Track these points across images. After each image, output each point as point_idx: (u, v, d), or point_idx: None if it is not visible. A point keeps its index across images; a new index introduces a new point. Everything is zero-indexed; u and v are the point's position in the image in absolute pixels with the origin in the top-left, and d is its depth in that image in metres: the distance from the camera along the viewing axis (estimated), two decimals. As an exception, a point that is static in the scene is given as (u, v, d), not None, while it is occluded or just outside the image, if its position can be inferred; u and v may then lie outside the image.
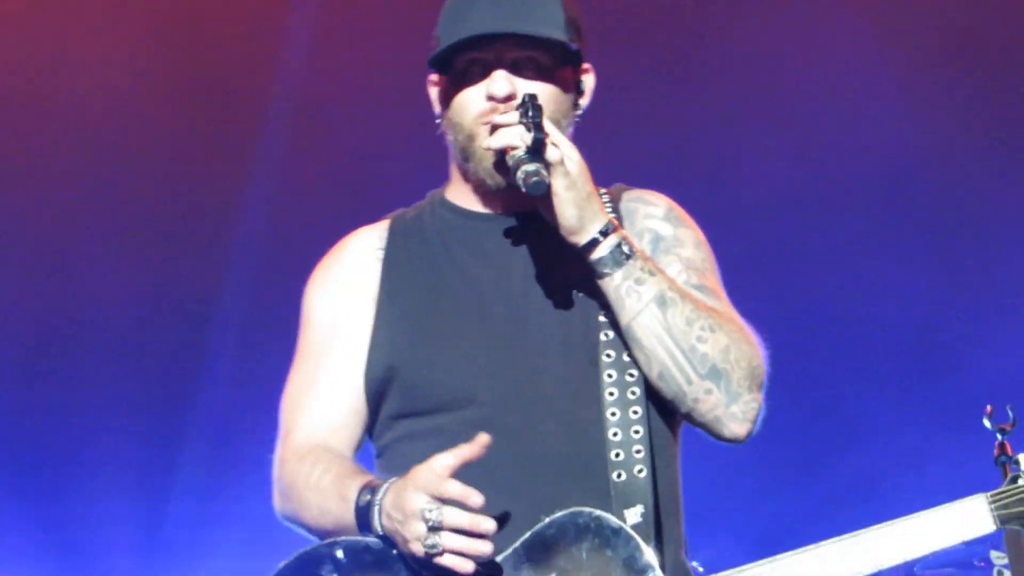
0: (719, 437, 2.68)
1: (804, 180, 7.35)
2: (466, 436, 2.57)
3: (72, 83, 7.21)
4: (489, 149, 2.63)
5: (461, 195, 2.84)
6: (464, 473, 2.49)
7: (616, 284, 2.62)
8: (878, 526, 2.64)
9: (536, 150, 2.53)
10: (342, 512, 2.56)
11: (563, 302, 2.73)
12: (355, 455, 2.82)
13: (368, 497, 2.51)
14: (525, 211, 2.75)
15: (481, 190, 2.78)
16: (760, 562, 2.66)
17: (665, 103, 7.34)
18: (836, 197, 7.36)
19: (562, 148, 2.58)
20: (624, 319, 2.63)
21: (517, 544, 2.52)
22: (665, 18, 7.41)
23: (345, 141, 7.26)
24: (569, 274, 2.71)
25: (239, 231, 7.41)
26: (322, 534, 2.65)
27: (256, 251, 7.35)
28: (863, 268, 7.37)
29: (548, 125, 2.58)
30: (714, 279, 2.80)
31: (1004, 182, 7.27)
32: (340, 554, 2.55)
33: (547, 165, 2.55)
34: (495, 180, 2.70)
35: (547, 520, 2.52)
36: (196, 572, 7.35)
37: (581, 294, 2.73)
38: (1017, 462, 2.76)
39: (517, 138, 2.55)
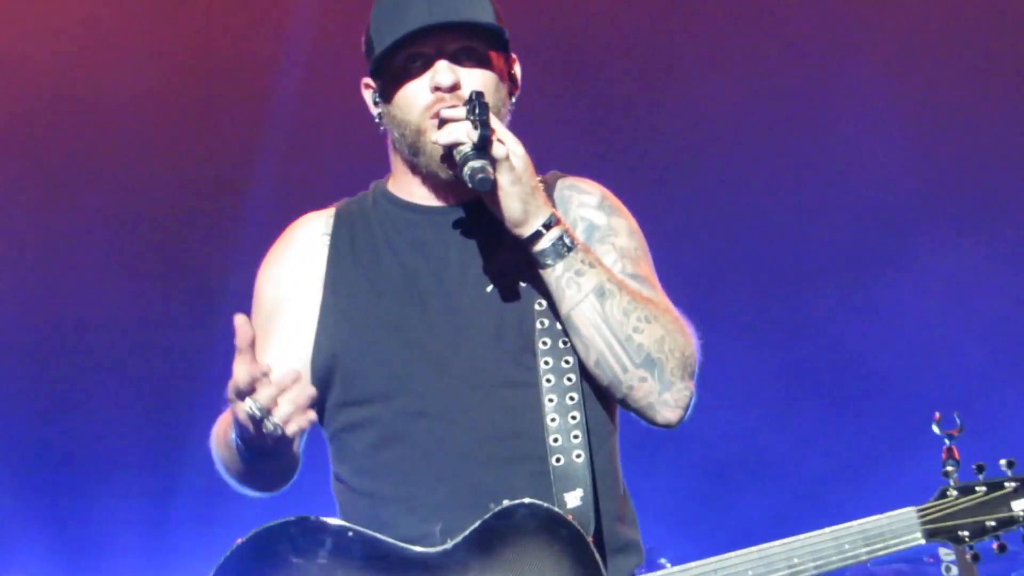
0: (652, 423, 2.75)
1: (781, 204, 7.52)
2: (400, 426, 2.71)
3: (85, 91, 7.33)
4: (437, 143, 2.69)
5: (403, 187, 2.90)
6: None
7: (557, 275, 2.69)
8: (816, 532, 2.72)
9: (482, 147, 2.60)
10: (233, 456, 2.67)
11: (499, 292, 2.79)
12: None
13: (232, 437, 2.61)
14: (468, 203, 2.83)
15: (431, 182, 2.84)
16: (706, 561, 2.73)
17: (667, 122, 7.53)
18: (801, 221, 7.53)
19: (507, 144, 2.64)
20: (564, 309, 2.70)
21: (467, 532, 2.60)
22: (675, 41, 7.58)
23: (343, 139, 7.26)
24: (506, 264, 2.79)
25: (242, 232, 7.44)
26: (241, 482, 2.79)
27: (259, 253, 7.35)
28: (825, 287, 7.56)
29: (494, 121, 2.64)
30: (647, 267, 2.86)
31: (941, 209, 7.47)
32: (294, 531, 2.63)
33: (493, 161, 2.62)
34: (447, 174, 2.76)
35: (497, 510, 2.61)
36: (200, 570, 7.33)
37: (518, 283, 2.79)
38: (947, 474, 2.79)
39: (464, 134, 2.62)
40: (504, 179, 2.64)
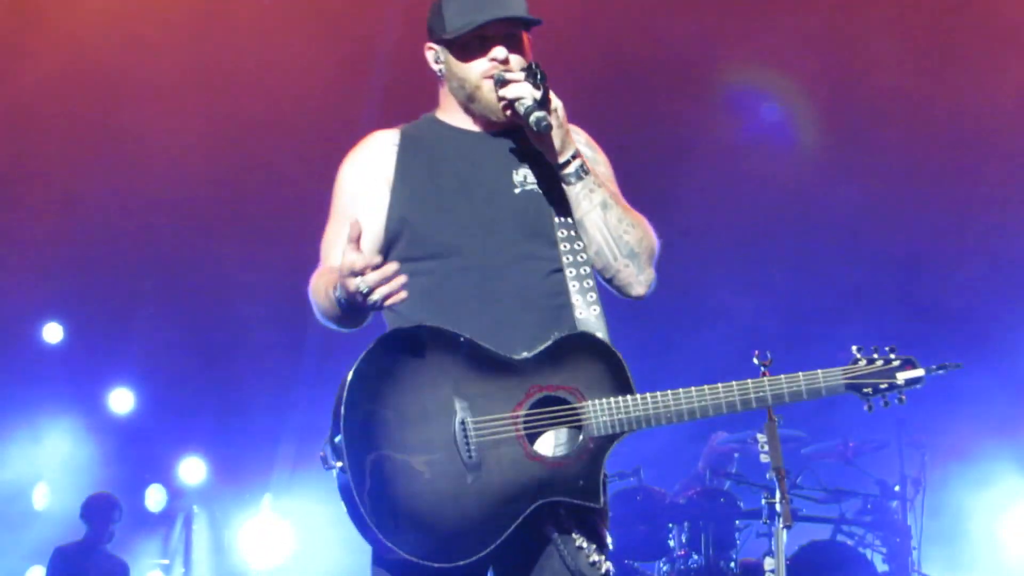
0: (628, 295, 3.46)
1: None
2: (450, 278, 3.34)
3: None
4: (504, 99, 3.35)
5: (452, 117, 3.52)
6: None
7: (576, 191, 3.37)
8: (776, 376, 3.32)
9: (543, 102, 3.31)
10: (332, 306, 3.25)
11: (530, 194, 3.43)
12: None
13: (334, 294, 3.19)
14: (497, 131, 3.47)
15: (479, 119, 3.48)
16: (706, 387, 3.28)
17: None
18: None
19: (553, 100, 3.34)
20: (579, 214, 3.39)
21: (541, 348, 3.23)
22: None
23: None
24: (527, 175, 3.45)
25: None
26: (335, 323, 3.34)
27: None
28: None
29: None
30: (615, 188, 3.51)
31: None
32: (420, 334, 3.19)
33: (548, 112, 3.31)
34: (497, 116, 3.42)
35: (560, 336, 3.26)
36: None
37: (535, 188, 3.43)
38: (859, 348, 3.35)
39: (525, 92, 3.31)
40: (553, 123, 3.32)
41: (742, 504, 7.87)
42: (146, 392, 9.97)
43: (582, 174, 3.39)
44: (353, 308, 3.16)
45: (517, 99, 3.34)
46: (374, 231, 3.39)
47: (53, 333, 9.82)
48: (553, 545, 3.18)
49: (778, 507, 5.28)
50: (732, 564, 7.78)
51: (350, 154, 3.54)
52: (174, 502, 9.96)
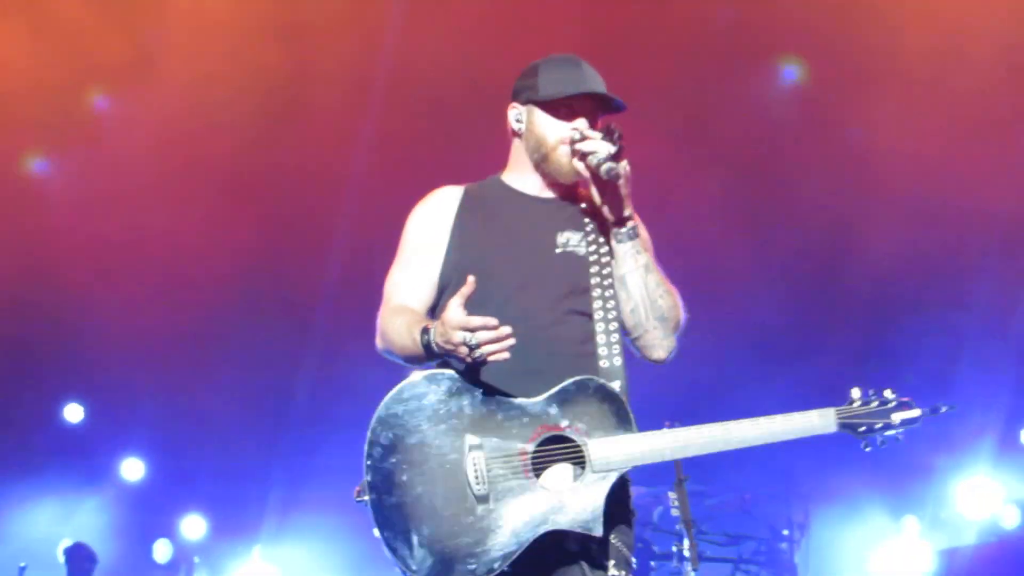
0: (649, 358, 3.57)
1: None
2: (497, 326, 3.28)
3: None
4: (580, 152, 3.47)
5: (518, 180, 3.67)
6: (509, 355, 3.24)
7: (626, 249, 3.51)
8: (769, 417, 3.33)
9: (616, 156, 3.44)
10: (415, 347, 3.37)
11: (570, 255, 3.56)
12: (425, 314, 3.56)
13: (425, 337, 3.31)
14: (554, 198, 3.64)
15: (546, 179, 3.63)
16: (696, 427, 3.35)
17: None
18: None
19: (624, 164, 3.46)
20: (622, 271, 3.51)
21: (552, 391, 3.33)
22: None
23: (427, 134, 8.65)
24: (573, 238, 3.59)
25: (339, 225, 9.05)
26: (406, 359, 3.45)
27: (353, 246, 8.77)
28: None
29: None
30: (653, 256, 3.61)
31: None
32: (443, 378, 3.36)
33: (618, 163, 3.42)
34: (565, 178, 3.59)
35: (573, 380, 3.36)
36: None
37: (579, 250, 3.56)
38: (853, 391, 3.34)
39: (599, 147, 3.46)
40: (621, 173, 3.44)
41: (656, 548, 8.34)
42: (154, 461, 10.65)
43: (634, 235, 3.55)
44: (441, 355, 3.32)
45: (591, 153, 3.50)
46: (431, 279, 3.61)
47: (74, 413, 10.53)
48: (577, 566, 3.38)
49: (686, 552, 6.56)
50: (645, 603, 8.17)
51: (418, 205, 3.72)
52: (179, 554, 10.64)
